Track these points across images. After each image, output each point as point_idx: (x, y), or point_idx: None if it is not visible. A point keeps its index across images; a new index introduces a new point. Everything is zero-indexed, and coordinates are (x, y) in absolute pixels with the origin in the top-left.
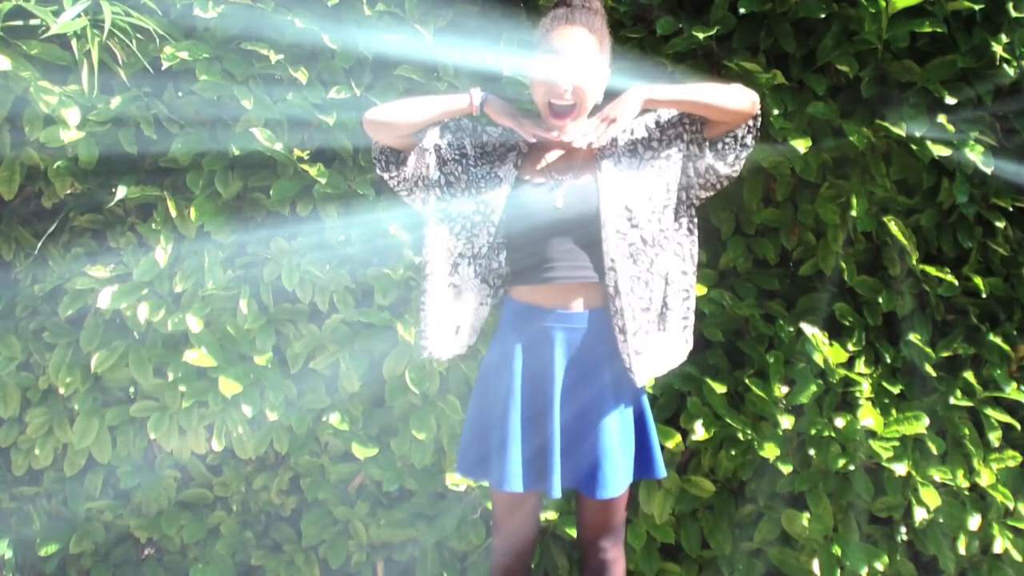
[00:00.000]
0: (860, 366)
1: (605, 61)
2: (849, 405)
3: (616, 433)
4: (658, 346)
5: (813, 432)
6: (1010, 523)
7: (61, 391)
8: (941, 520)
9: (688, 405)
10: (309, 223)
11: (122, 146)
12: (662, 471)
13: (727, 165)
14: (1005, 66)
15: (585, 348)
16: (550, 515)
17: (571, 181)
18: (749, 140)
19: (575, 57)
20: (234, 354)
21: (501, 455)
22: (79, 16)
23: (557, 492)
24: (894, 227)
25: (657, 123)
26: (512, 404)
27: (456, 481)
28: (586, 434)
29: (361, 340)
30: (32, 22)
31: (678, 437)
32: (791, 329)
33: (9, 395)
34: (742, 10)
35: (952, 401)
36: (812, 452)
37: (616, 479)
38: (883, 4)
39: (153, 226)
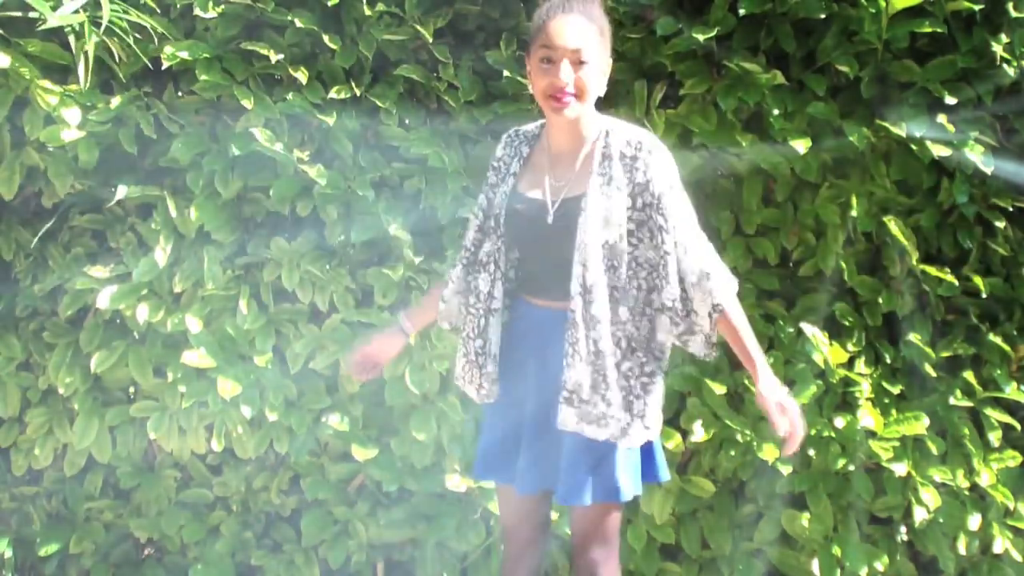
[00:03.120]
0: (860, 366)
1: (606, 49)
2: (849, 405)
3: (583, 443)
4: None
5: (813, 432)
6: (1010, 523)
7: (61, 391)
8: (941, 520)
9: (688, 405)
10: (309, 223)
11: (122, 146)
12: (623, 495)
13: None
14: (1005, 66)
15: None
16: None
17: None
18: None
19: (573, 48)
20: (234, 354)
21: (481, 445)
22: (77, 12)
23: (524, 487)
24: (894, 227)
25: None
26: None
27: (456, 482)
28: (558, 435)
29: (361, 340)
30: (31, 15)
31: (678, 437)
32: (791, 329)
33: (9, 395)
34: (742, 10)
35: (952, 401)
36: (812, 452)
37: (574, 488)
38: (883, 4)
39: (153, 226)
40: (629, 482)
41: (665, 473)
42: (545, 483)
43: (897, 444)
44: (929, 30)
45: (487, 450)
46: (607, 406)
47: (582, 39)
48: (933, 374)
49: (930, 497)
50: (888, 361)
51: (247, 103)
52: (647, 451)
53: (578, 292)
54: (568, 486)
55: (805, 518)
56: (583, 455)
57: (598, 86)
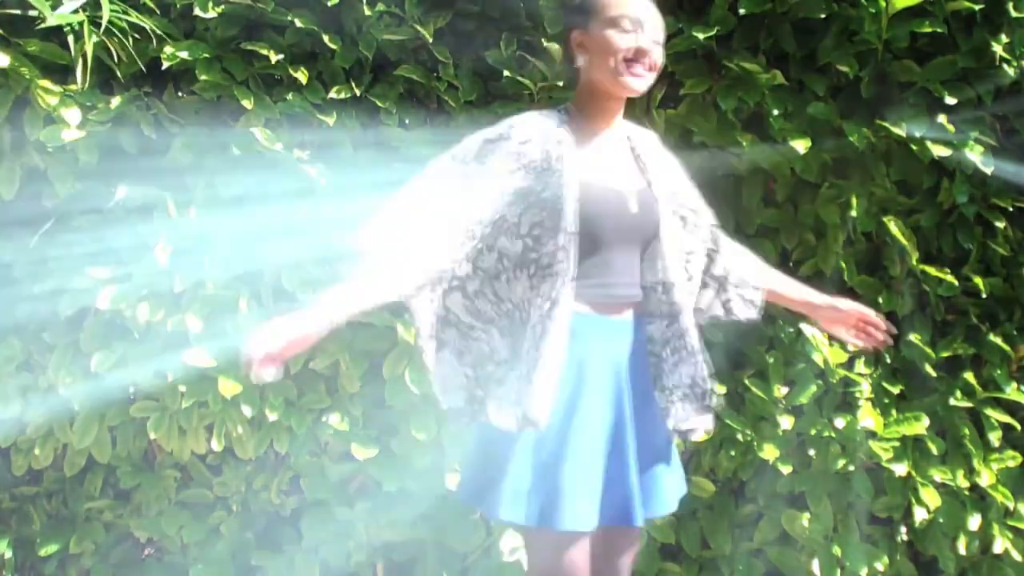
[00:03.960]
0: (860, 366)
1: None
2: (849, 405)
3: (669, 444)
4: None
5: (813, 432)
6: (1010, 523)
7: (61, 391)
8: (941, 520)
9: None
10: (309, 223)
11: (122, 146)
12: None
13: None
14: (1005, 66)
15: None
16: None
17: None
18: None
19: (654, 24)
20: (234, 354)
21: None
22: (77, 12)
23: (639, 518)
24: (894, 227)
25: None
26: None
27: (456, 481)
28: (658, 449)
29: (361, 340)
30: (31, 13)
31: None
32: (791, 329)
33: (9, 395)
34: (742, 10)
35: (952, 401)
36: (812, 452)
37: (671, 495)
38: (883, 4)
39: (153, 226)
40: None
41: None
42: (649, 505)
43: (897, 444)
44: (929, 30)
45: (570, 496)
46: (710, 393)
47: (660, 21)
48: (933, 374)
49: (930, 497)
50: (888, 361)
51: (247, 103)
52: None
53: (660, 283)
54: (667, 496)
55: (805, 518)
56: (673, 457)
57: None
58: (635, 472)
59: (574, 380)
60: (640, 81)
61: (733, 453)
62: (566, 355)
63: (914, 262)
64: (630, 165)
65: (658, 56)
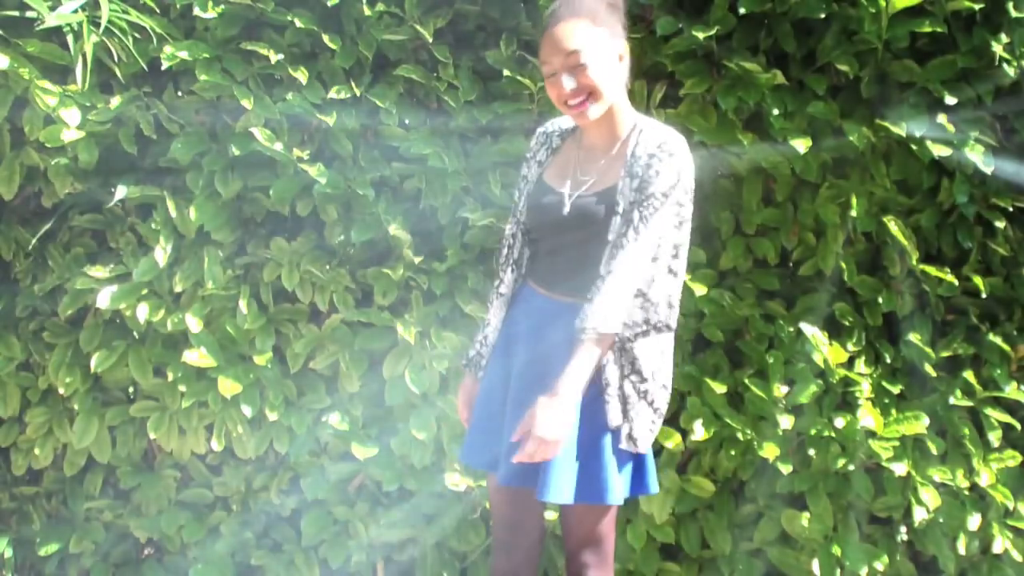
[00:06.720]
0: (860, 366)
1: (612, 36)
2: (849, 405)
3: (583, 439)
4: None
5: (813, 432)
6: (1010, 523)
7: (61, 391)
8: (941, 520)
9: (688, 405)
10: (309, 223)
11: (122, 146)
12: (613, 497)
13: None
14: (1005, 66)
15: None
16: (549, 515)
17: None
18: None
19: (563, 57)
20: (234, 354)
21: (469, 427)
22: (76, 12)
23: (503, 478)
24: (894, 227)
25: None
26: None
27: (456, 481)
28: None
29: (361, 340)
30: (30, 14)
31: (678, 437)
32: (791, 329)
33: (9, 395)
34: (742, 10)
35: (952, 401)
36: (812, 452)
37: (558, 484)
38: (883, 4)
39: (153, 226)
40: (619, 485)
41: (655, 486)
42: (526, 478)
43: (897, 444)
44: (929, 30)
45: (470, 431)
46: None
47: (573, 43)
48: (933, 374)
49: (930, 497)
50: (888, 361)
51: (247, 103)
52: (639, 460)
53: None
54: (551, 482)
55: (805, 518)
56: (569, 450)
57: (610, 79)
58: (506, 432)
59: (500, 340)
60: (586, 112)
61: (733, 453)
62: (499, 323)
63: (914, 262)
64: (601, 169)
65: (591, 78)
